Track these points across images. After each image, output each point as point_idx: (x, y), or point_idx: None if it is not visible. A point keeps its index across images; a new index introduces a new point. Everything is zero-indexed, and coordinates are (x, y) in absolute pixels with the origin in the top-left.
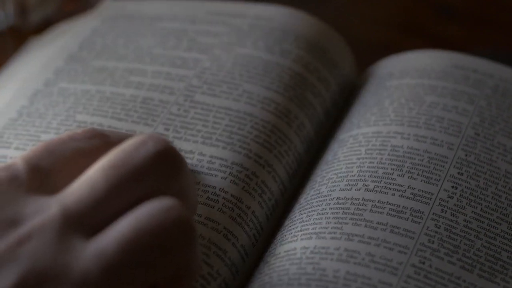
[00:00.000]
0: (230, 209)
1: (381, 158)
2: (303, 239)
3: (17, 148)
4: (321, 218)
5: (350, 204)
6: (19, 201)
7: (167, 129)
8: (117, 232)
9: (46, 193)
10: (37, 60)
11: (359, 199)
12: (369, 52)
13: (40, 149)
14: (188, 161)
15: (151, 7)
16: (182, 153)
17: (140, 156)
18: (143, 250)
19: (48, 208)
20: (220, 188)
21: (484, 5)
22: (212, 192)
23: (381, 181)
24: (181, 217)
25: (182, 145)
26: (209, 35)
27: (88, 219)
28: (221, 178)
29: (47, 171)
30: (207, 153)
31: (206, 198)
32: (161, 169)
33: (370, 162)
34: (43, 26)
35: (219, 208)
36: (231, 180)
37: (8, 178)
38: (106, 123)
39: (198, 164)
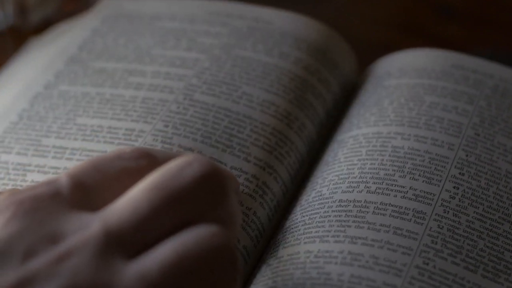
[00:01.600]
0: None
1: (382, 159)
2: (307, 242)
3: (18, 153)
4: (324, 221)
5: (353, 207)
6: (61, 216)
7: (166, 126)
8: (161, 255)
9: (89, 210)
10: (37, 62)
11: (361, 201)
12: (369, 52)
13: (86, 165)
14: None
15: (150, 6)
16: (182, 150)
17: (185, 178)
18: (185, 275)
19: (90, 226)
20: None
21: (484, 5)
22: None
23: (382, 182)
24: (225, 246)
25: (181, 141)
26: (208, 35)
27: (130, 239)
28: None
29: (91, 189)
30: (206, 153)
31: None
32: (206, 192)
33: (371, 163)
34: (43, 26)
35: None
36: None
37: (51, 193)
38: (105, 125)
39: None
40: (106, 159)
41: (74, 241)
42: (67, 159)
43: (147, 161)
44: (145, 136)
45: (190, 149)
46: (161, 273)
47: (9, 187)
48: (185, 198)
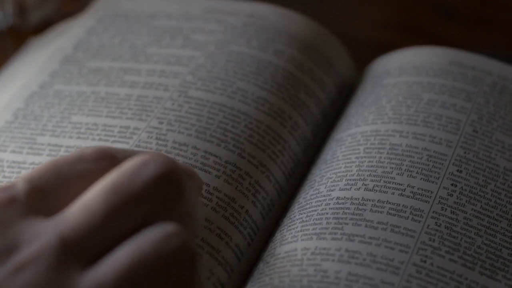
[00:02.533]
0: (223, 208)
1: (380, 157)
2: (304, 239)
3: (13, 151)
4: (321, 219)
5: (350, 204)
6: (16, 225)
7: (161, 123)
8: (116, 262)
9: (47, 216)
10: (34, 62)
11: (358, 198)
12: (369, 52)
13: (45, 169)
14: (182, 153)
15: (147, 5)
16: (176, 145)
17: (140, 179)
18: (141, 281)
19: (45, 234)
20: (213, 187)
21: (484, 5)
22: (206, 190)
23: (380, 180)
24: (182, 245)
25: (175, 137)
26: (203, 33)
27: (86, 246)
28: (215, 176)
29: (49, 193)
30: (201, 147)
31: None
32: (162, 192)
33: (369, 161)
34: (43, 26)
35: (212, 207)
36: (225, 179)
37: (7, 200)
38: (100, 122)
39: (192, 158)
40: (66, 162)
41: (29, 252)
42: None
43: (108, 162)
44: (139, 133)
45: (185, 145)
46: (117, 281)
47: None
48: (140, 200)
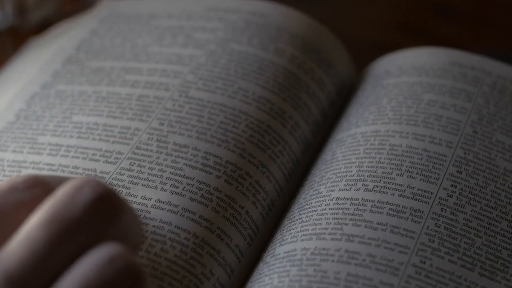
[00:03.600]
0: (224, 208)
1: (380, 158)
2: (303, 240)
3: (14, 151)
4: (321, 219)
5: (350, 205)
6: None
7: (161, 124)
8: None
9: None
10: (35, 62)
11: (358, 199)
12: (369, 52)
13: None
14: (182, 155)
15: (148, 6)
16: (177, 147)
17: (77, 204)
18: None
19: None
20: (214, 187)
21: (484, 5)
22: (206, 191)
23: (380, 180)
24: (128, 265)
25: (176, 139)
26: (205, 31)
27: (33, 281)
28: (216, 176)
29: None
30: (201, 148)
31: (200, 196)
32: (100, 215)
33: (369, 162)
34: (42, 26)
35: (212, 208)
36: (225, 179)
37: None
38: (101, 122)
39: (192, 159)
40: None
41: None
42: (62, 156)
43: (41, 189)
44: (140, 135)
45: (185, 146)
46: None
47: None
48: (80, 226)
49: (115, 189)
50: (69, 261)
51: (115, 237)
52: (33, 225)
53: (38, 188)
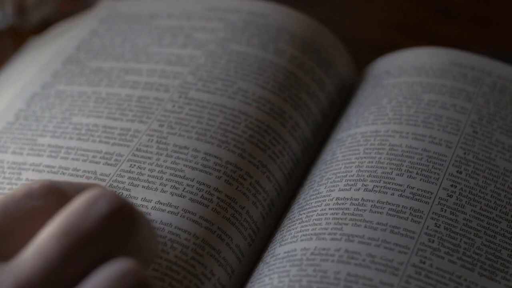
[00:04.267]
0: (224, 209)
1: (380, 158)
2: (303, 240)
3: (14, 153)
4: (321, 219)
5: (350, 205)
6: None
7: (161, 125)
8: None
9: (1, 260)
10: (35, 62)
11: (358, 199)
12: (369, 52)
13: None
14: (182, 156)
15: (148, 6)
16: (177, 149)
17: (92, 218)
18: None
19: (1, 283)
20: (214, 188)
21: (484, 5)
22: (207, 191)
23: (380, 180)
24: (139, 282)
25: (176, 141)
26: (204, 31)
27: None
28: (216, 177)
29: (0, 236)
30: (201, 149)
31: (201, 197)
32: (115, 228)
33: (369, 162)
34: (42, 26)
35: (213, 208)
36: (225, 180)
37: None
38: (101, 123)
39: (192, 160)
40: (13, 200)
41: None
42: (62, 158)
43: (56, 197)
44: (140, 136)
45: (185, 147)
46: None
47: (4, 185)
48: (94, 239)
49: (132, 203)
50: (81, 274)
51: (131, 250)
52: (46, 235)
53: (54, 195)
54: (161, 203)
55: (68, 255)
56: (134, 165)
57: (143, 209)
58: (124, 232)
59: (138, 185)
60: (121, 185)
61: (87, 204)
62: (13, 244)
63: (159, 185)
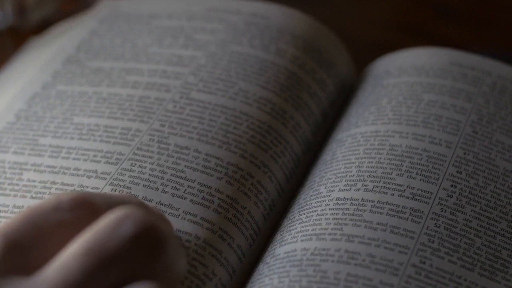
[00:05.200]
0: (226, 209)
1: (380, 158)
2: (303, 240)
3: (15, 153)
4: (321, 219)
5: (350, 205)
6: None
7: (162, 125)
8: None
9: (24, 273)
10: (35, 62)
11: (358, 199)
12: (369, 52)
13: (20, 221)
14: (183, 156)
15: (148, 6)
16: (178, 149)
17: (117, 238)
18: None
19: None
20: (215, 189)
21: (484, 5)
22: (208, 192)
23: (380, 181)
24: None
25: (177, 141)
26: (205, 32)
27: None
28: (217, 178)
29: (26, 247)
30: (202, 150)
31: (202, 198)
32: (141, 250)
33: (369, 162)
34: (42, 26)
35: (214, 209)
36: (227, 180)
37: None
38: (102, 123)
39: (193, 161)
40: (42, 212)
41: None
42: (64, 158)
43: (86, 210)
44: (141, 136)
45: (186, 148)
46: None
47: (5, 185)
48: (118, 260)
49: (159, 225)
50: None
51: (158, 271)
52: (70, 254)
53: (84, 209)
54: (161, 204)
55: (91, 275)
56: (135, 164)
57: None
58: (150, 254)
59: (139, 183)
60: (121, 184)
61: (113, 224)
62: (37, 257)
63: (160, 185)
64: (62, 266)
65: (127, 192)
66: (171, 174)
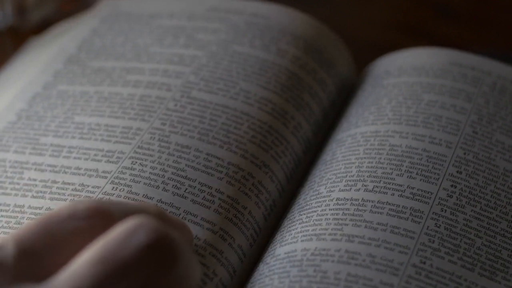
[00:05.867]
0: (226, 210)
1: (380, 158)
2: (304, 240)
3: (16, 152)
4: (321, 219)
5: (350, 205)
6: None
7: (163, 124)
8: None
9: (36, 279)
10: (36, 62)
11: (358, 199)
12: (369, 52)
13: (35, 228)
14: (184, 155)
15: (149, 5)
16: (179, 148)
17: (129, 249)
18: None
19: None
20: (216, 189)
21: (484, 5)
22: (208, 193)
23: (380, 181)
24: None
25: (178, 140)
26: (206, 32)
27: None
28: (217, 178)
29: (39, 254)
30: (203, 150)
31: (202, 198)
32: (153, 261)
33: (369, 162)
34: (42, 26)
35: (215, 209)
36: (227, 181)
37: None
38: (103, 122)
39: (194, 160)
40: (56, 220)
41: None
42: (64, 157)
43: (101, 219)
44: (142, 134)
45: (187, 147)
46: None
47: (6, 184)
48: (130, 270)
49: (173, 235)
50: None
51: (171, 281)
52: (82, 262)
53: (99, 217)
54: (162, 202)
55: (102, 284)
56: (136, 162)
57: None
58: (163, 264)
59: (140, 181)
60: (122, 182)
61: (126, 234)
62: (50, 264)
63: (161, 183)
64: (73, 274)
65: (128, 191)
66: (172, 173)
